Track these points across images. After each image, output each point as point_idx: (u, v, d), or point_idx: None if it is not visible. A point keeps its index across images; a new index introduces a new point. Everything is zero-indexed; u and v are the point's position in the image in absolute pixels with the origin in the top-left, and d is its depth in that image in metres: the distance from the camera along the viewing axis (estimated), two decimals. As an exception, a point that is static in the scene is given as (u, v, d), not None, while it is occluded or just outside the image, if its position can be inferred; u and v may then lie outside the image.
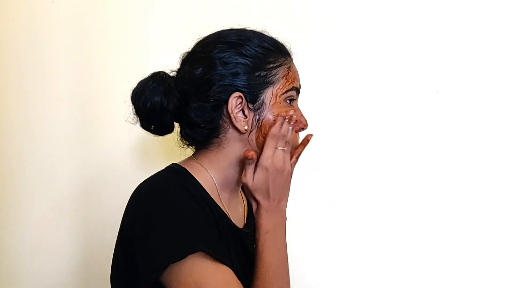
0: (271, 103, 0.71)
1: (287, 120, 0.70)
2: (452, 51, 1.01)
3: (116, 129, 1.15)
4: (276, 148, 0.70)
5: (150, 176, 0.72)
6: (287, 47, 0.76)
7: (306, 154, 1.05)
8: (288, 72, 0.73)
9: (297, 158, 0.75)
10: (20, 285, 1.24)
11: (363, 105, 1.05)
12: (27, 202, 1.24)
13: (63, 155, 1.21)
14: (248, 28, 0.75)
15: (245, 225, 0.79)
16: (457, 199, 1.01)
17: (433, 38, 1.01)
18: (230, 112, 0.70)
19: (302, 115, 0.76)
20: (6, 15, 1.25)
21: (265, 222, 0.71)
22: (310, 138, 0.75)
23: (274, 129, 0.70)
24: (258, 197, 0.71)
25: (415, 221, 1.02)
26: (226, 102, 0.70)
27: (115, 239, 0.72)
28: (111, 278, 0.72)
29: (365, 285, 1.05)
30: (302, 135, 0.77)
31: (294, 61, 0.77)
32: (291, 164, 0.73)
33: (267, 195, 0.71)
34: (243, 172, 0.71)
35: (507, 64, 0.98)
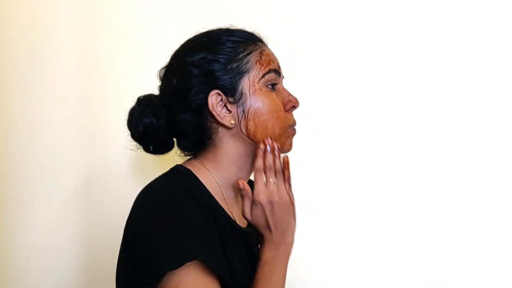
0: (251, 91, 0.71)
1: (268, 150, 0.69)
2: (456, 51, 1.01)
3: (121, 131, 1.15)
4: (266, 181, 0.69)
5: (154, 179, 0.73)
6: (256, 34, 0.76)
7: (312, 156, 1.05)
8: (261, 57, 0.73)
9: (289, 182, 0.73)
10: (24, 286, 1.24)
11: (367, 105, 1.05)
12: (31, 203, 1.24)
13: (68, 156, 1.21)
14: (215, 28, 0.76)
15: (248, 224, 0.79)
16: (460, 198, 1.01)
17: (436, 38, 1.02)
18: (211, 111, 0.71)
19: (290, 94, 0.76)
20: (10, 16, 1.26)
21: (266, 252, 0.70)
22: (288, 160, 0.74)
23: (257, 163, 0.69)
24: (261, 230, 0.70)
25: (421, 223, 1.03)
26: (206, 104, 0.71)
27: (119, 241, 0.72)
28: (116, 279, 0.72)
29: (363, 284, 1.06)
30: (295, 113, 0.76)
31: (270, 47, 0.77)
32: (287, 192, 0.71)
33: (268, 228, 0.69)
34: (242, 206, 0.71)
35: (510, 64, 0.98)
